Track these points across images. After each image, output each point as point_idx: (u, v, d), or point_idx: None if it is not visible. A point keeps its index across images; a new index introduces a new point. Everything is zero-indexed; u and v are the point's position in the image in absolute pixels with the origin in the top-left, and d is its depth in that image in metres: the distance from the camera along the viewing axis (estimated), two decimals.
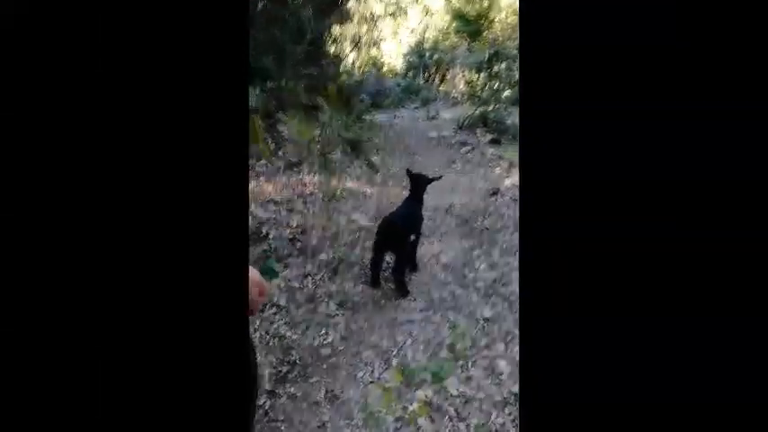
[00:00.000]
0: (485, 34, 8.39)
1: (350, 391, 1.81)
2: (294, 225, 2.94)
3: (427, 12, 9.52)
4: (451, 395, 1.78)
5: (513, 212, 3.53)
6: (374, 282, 2.54)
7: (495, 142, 5.58)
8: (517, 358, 1.90)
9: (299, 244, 2.79)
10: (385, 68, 9.62)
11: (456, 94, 8.16)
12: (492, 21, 8.85)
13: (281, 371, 1.91)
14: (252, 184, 3.13)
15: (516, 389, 1.80)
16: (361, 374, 1.90)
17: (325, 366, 1.95)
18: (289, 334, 2.12)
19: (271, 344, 2.05)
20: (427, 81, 9.39)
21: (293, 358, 1.98)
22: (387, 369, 1.93)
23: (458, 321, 2.25)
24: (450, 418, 1.68)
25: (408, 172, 2.73)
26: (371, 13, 7.77)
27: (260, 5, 3.86)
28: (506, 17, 8.85)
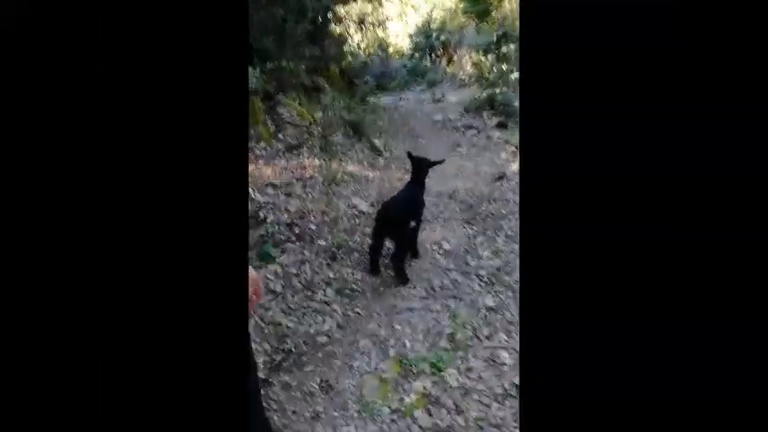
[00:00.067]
0: (493, 14, 8.13)
1: (345, 381, 1.76)
2: (293, 210, 2.87)
3: None
4: (450, 387, 1.72)
5: (518, 198, 3.44)
6: (373, 268, 2.48)
7: (501, 126, 5.45)
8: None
9: (297, 229, 2.72)
10: (391, 49, 9.43)
11: (463, 76, 7.95)
12: (501, 0, 8.59)
13: (275, 359, 1.85)
14: (250, 168, 3.05)
15: (518, 380, 1.74)
16: (357, 364, 1.85)
17: (320, 355, 1.90)
18: (284, 321, 2.06)
19: (266, 331, 1.99)
20: (434, 62, 9.19)
21: (288, 346, 1.93)
22: (384, 359, 1.87)
23: (459, 310, 2.18)
24: (449, 411, 1.62)
25: (410, 155, 2.65)
26: None
27: None
28: None
